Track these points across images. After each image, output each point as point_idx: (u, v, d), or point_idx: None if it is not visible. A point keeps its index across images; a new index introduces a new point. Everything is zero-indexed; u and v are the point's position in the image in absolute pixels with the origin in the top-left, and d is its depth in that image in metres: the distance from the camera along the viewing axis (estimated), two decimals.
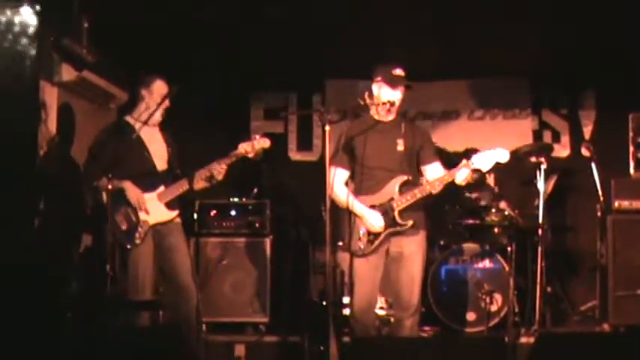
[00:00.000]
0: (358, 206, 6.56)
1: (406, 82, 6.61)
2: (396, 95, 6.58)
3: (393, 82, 6.59)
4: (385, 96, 6.56)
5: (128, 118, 7.25)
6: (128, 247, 6.97)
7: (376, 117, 6.68)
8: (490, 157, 6.35)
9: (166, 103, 7.17)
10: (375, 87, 6.63)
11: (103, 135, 7.28)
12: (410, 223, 6.50)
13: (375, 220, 6.50)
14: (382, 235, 6.53)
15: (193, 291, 7.17)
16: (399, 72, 6.64)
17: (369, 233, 6.52)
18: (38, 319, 5.67)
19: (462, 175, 6.41)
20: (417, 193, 6.47)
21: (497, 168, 6.48)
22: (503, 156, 6.36)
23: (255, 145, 7.05)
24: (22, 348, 5.48)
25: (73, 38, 7.44)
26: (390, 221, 6.51)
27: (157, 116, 7.16)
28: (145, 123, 7.02)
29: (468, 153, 8.16)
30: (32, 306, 5.69)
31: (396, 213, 6.49)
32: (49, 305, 6.05)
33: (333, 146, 6.57)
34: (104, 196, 6.80)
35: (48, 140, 7.63)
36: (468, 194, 8.55)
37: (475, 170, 6.42)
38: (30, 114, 6.09)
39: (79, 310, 6.63)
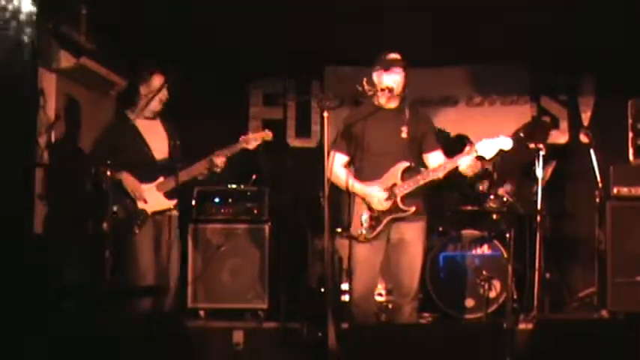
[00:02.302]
0: (360, 187, 6.58)
1: (400, 63, 6.61)
2: (393, 80, 6.57)
3: (387, 65, 6.60)
4: (384, 82, 6.56)
5: (128, 113, 7.34)
6: (127, 236, 7.10)
7: (379, 103, 6.68)
8: (493, 144, 6.36)
9: (164, 93, 7.28)
10: (374, 75, 6.62)
11: (105, 131, 7.46)
12: (412, 209, 6.51)
13: (380, 196, 6.50)
14: (384, 221, 6.53)
15: (174, 277, 7.43)
16: (393, 56, 6.64)
17: (371, 218, 6.53)
18: (37, 307, 5.67)
19: (465, 162, 6.41)
20: (420, 180, 6.48)
21: (500, 155, 6.47)
22: (506, 143, 6.37)
23: (256, 136, 7.18)
24: (20, 336, 5.48)
25: (71, 25, 7.44)
26: (393, 207, 6.52)
27: (153, 106, 7.24)
28: (142, 112, 7.10)
29: (461, 139, 8.16)
30: (30, 294, 5.69)
31: (398, 199, 6.50)
32: (47, 293, 6.05)
33: (335, 132, 6.61)
34: (104, 183, 6.88)
35: (47, 127, 7.64)
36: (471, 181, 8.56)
37: (479, 157, 6.42)
38: (28, 101, 6.08)
39: (79, 298, 6.65)
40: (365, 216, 6.54)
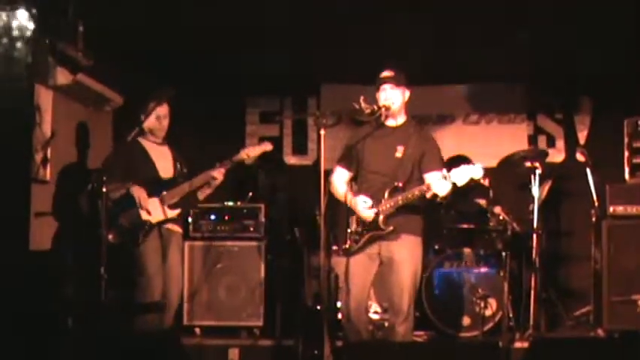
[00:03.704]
0: (351, 199, 6.59)
1: (389, 80, 6.59)
2: (385, 97, 6.56)
3: (378, 83, 6.62)
4: (379, 100, 6.56)
5: (139, 138, 7.38)
6: (132, 246, 7.18)
7: (382, 121, 6.67)
8: (465, 172, 6.24)
9: (167, 121, 7.44)
10: (376, 94, 6.63)
11: (116, 152, 7.57)
12: (390, 228, 6.47)
13: (361, 204, 6.50)
14: (366, 236, 6.53)
15: (175, 295, 7.47)
16: (385, 73, 6.65)
17: (355, 232, 6.54)
18: (36, 321, 5.68)
19: (438, 188, 6.32)
20: (400, 200, 6.45)
21: (473, 182, 6.41)
22: (477, 172, 6.25)
23: (258, 150, 7.29)
24: (20, 351, 5.48)
25: (68, 42, 7.45)
26: (375, 224, 6.52)
27: (159, 131, 7.34)
28: (138, 126, 7.16)
29: (456, 161, 8.13)
30: (29, 308, 5.69)
31: (380, 217, 6.48)
32: (46, 308, 6.06)
33: (332, 150, 6.63)
34: (104, 197, 6.93)
35: (43, 144, 7.65)
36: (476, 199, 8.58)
37: (453, 184, 6.32)
38: (25, 117, 6.10)
39: (76, 314, 6.66)
40: (350, 229, 6.56)
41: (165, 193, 7.28)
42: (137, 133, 7.15)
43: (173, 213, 7.36)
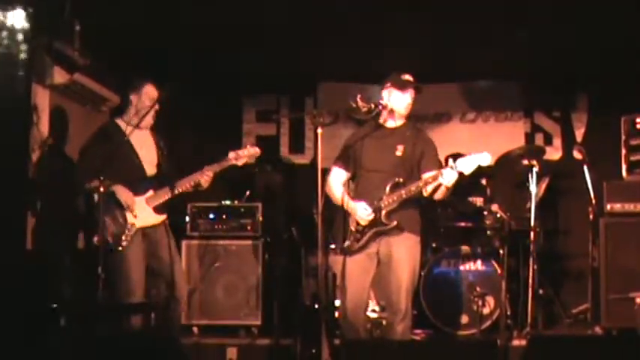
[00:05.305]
0: (348, 202, 6.60)
1: (415, 84, 6.68)
2: (406, 101, 6.64)
3: (402, 85, 6.65)
4: (394, 101, 6.59)
5: (119, 121, 7.28)
6: (115, 249, 7.01)
7: (381, 122, 6.69)
8: (473, 160, 6.30)
9: (155, 106, 7.22)
10: (385, 93, 6.66)
11: (93, 138, 7.33)
12: (394, 223, 6.50)
13: (362, 211, 6.52)
14: (368, 233, 6.55)
15: (184, 287, 7.37)
16: (408, 77, 6.68)
17: (356, 231, 6.54)
18: (31, 322, 5.66)
19: (445, 178, 6.35)
20: (403, 194, 6.46)
21: (482, 171, 6.42)
22: (485, 159, 6.31)
23: (244, 153, 7.13)
24: (13, 351, 5.47)
25: (65, 41, 7.44)
26: (377, 221, 6.52)
27: (148, 119, 7.20)
28: (137, 126, 7.06)
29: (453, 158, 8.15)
30: (25, 309, 5.68)
31: (383, 213, 6.49)
32: (41, 308, 6.04)
33: (329, 148, 6.62)
34: (96, 198, 6.82)
35: (41, 143, 7.63)
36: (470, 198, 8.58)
37: (460, 173, 6.35)
38: (22, 117, 6.08)
39: (71, 314, 6.63)
40: (351, 227, 6.56)
41: (152, 194, 7.17)
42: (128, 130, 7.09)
43: (160, 218, 7.24)
